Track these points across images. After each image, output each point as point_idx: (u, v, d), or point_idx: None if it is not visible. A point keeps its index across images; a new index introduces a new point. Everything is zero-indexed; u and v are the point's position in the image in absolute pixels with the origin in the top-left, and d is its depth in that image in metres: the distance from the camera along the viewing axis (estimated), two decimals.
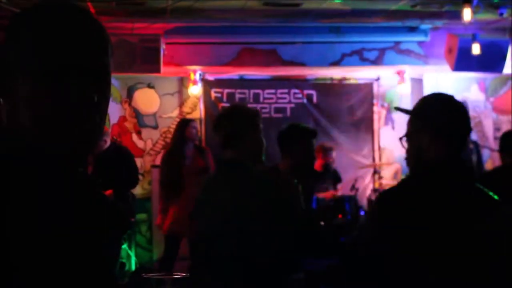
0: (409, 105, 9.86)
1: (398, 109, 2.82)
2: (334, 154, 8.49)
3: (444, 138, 2.51)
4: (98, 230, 1.19)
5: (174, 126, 9.20)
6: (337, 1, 7.22)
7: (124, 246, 8.12)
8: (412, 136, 2.60)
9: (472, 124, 8.64)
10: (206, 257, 3.33)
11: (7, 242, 1.06)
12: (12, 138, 1.17)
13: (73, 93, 1.18)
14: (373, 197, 8.79)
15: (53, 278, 1.09)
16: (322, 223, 7.43)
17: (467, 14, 6.77)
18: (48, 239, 1.10)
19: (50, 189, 1.15)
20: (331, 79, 9.68)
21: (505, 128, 9.95)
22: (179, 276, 1.19)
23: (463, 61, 8.19)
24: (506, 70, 8.48)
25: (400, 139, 2.66)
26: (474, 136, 9.18)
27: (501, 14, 7.71)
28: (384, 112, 9.87)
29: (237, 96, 9.36)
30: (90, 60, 1.22)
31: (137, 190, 8.51)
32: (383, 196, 2.62)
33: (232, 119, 3.36)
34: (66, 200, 1.16)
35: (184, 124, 7.42)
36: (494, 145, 9.69)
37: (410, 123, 2.62)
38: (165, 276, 1.19)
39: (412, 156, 2.63)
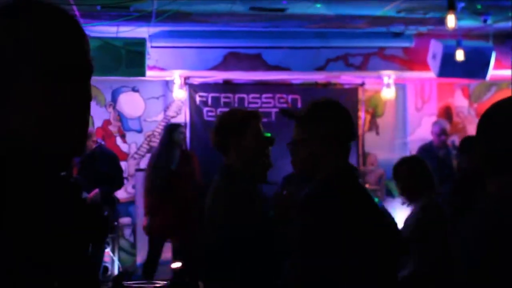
0: (394, 110, 9.91)
1: (285, 113, 2.82)
2: None
3: (339, 144, 2.57)
4: (87, 233, 1.19)
5: (159, 130, 9.22)
6: (319, 6, 7.24)
7: (108, 250, 8.09)
8: (304, 142, 2.61)
9: (456, 129, 8.63)
10: (206, 261, 3.38)
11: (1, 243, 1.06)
12: (6, 139, 1.16)
13: (73, 93, 1.20)
14: None
15: (42, 280, 1.09)
16: None
17: (451, 20, 6.81)
18: (44, 240, 1.10)
19: (48, 191, 1.15)
20: (316, 84, 9.70)
21: None
22: (160, 285, 1.18)
23: (447, 67, 8.24)
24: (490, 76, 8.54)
25: (288, 145, 2.69)
26: (457, 141, 9.22)
27: (485, 20, 7.76)
28: (368, 117, 9.91)
29: (222, 100, 9.35)
30: (84, 60, 1.24)
31: (121, 194, 8.49)
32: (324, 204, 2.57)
33: (217, 127, 3.42)
34: (62, 202, 1.16)
35: (172, 128, 7.42)
36: None
37: (301, 129, 2.63)
38: (145, 284, 1.18)
39: (307, 163, 2.63)
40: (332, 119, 2.61)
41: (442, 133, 8.56)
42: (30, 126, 1.17)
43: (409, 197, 4.69)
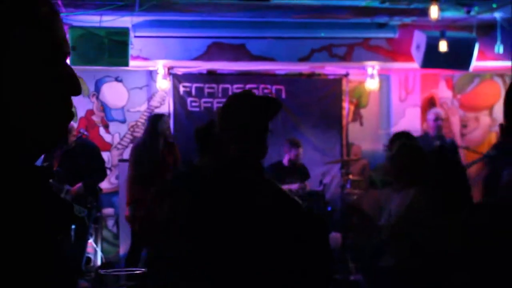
0: (378, 101, 9.94)
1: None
2: (300, 150, 8.53)
3: (240, 135, 2.69)
4: (52, 221, 1.17)
5: (142, 120, 9.18)
6: None
7: (91, 240, 8.06)
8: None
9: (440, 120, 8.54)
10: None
11: None
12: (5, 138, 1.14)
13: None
14: (341, 193, 8.84)
15: (13, 273, 1.07)
16: None
17: (434, 11, 6.82)
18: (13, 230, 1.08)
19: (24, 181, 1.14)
20: (300, 74, 9.69)
21: (471, 125, 10.08)
22: (137, 272, 1.17)
23: (430, 58, 8.26)
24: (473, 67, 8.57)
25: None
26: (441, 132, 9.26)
27: (468, 11, 7.79)
28: (352, 108, 9.92)
29: (206, 90, 9.33)
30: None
31: (104, 185, 8.45)
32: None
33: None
34: (31, 191, 1.15)
35: (157, 118, 7.39)
36: (461, 141, 9.79)
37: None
38: (121, 272, 1.17)
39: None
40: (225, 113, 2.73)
41: (437, 118, 8.60)
42: (31, 123, 1.15)
43: (400, 181, 4.50)
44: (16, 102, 1.14)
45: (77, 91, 1.20)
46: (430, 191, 4.39)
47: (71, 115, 1.21)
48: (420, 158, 4.58)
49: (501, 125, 1.58)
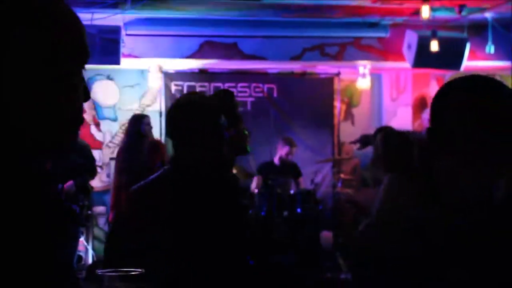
0: (369, 100, 9.97)
1: None
2: (293, 149, 8.57)
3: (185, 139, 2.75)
4: (53, 226, 1.17)
5: None
6: None
7: (82, 239, 8.05)
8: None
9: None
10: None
11: None
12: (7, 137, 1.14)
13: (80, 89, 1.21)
14: (332, 192, 8.86)
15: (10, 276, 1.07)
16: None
17: (425, 11, 6.84)
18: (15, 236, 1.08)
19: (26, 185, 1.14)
20: (292, 73, 9.70)
21: None
22: (134, 273, 1.17)
23: (422, 58, 8.28)
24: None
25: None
26: None
27: (460, 11, 7.81)
28: (344, 107, 9.94)
29: (198, 89, 9.32)
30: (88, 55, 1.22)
31: (95, 183, 8.44)
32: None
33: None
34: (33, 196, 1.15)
35: (138, 120, 7.37)
36: None
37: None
38: (119, 272, 1.17)
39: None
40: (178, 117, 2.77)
41: None
42: (31, 122, 1.15)
43: (388, 169, 4.40)
44: (16, 102, 1.14)
45: (87, 99, 1.21)
46: (411, 176, 4.28)
47: (81, 120, 1.21)
48: (406, 143, 4.45)
49: (428, 129, 1.57)
